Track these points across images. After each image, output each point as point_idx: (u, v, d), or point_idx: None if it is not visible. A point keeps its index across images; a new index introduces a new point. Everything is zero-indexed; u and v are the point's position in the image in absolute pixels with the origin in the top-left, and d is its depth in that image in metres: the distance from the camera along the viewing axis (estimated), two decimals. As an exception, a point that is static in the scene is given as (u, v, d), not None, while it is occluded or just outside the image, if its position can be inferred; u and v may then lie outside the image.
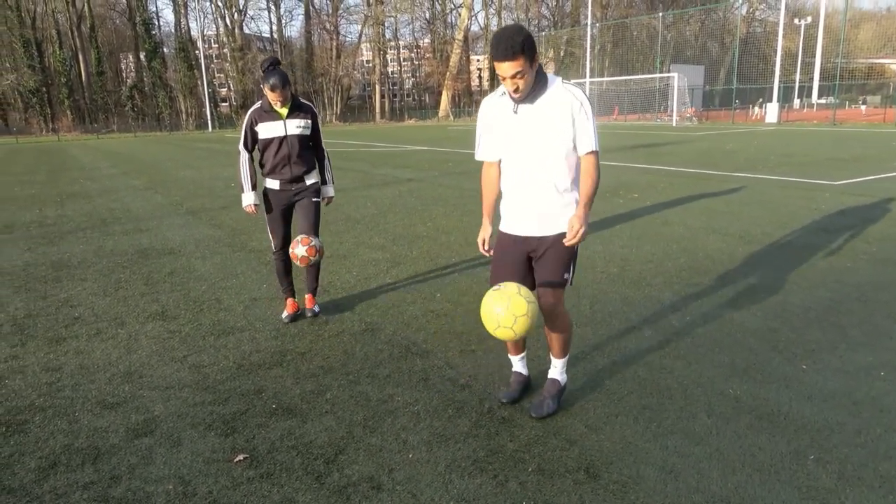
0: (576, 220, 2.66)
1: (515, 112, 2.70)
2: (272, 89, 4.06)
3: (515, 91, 2.60)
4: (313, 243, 4.14)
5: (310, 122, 4.33)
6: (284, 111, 4.22)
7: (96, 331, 4.38)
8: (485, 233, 2.99)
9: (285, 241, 4.45)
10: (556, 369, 3.09)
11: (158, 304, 4.94)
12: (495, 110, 2.79)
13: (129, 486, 2.54)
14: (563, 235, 2.75)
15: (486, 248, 3.00)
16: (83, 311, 4.85)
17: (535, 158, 2.72)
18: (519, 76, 2.53)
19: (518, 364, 3.24)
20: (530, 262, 2.91)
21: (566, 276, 2.86)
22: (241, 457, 2.73)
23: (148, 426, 3.02)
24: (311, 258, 4.14)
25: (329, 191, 4.57)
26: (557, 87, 2.67)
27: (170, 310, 4.80)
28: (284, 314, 4.51)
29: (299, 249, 4.10)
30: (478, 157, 2.98)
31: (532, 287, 2.87)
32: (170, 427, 3.00)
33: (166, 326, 4.43)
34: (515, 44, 2.46)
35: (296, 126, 4.25)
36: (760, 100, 45.33)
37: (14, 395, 3.41)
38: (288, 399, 3.26)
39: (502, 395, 3.13)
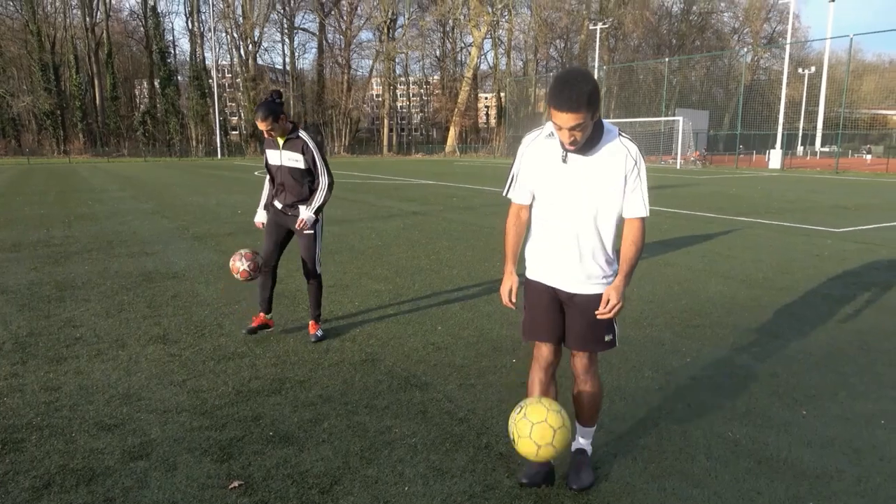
0: (613, 294, 2.46)
1: (564, 161, 2.46)
2: (255, 121, 4.34)
3: (571, 143, 2.35)
4: (256, 261, 4.40)
5: (301, 156, 4.41)
6: (282, 141, 4.45)
7: (97, 352, 4.39)
8: (512, 282, 2.69)
9: (270, 258, 4.67)
10: (584, 440, 2.84)
11: (160, 328, 4.96)
12: (541, 153, 2.53)
13: (123, 510, 2.53)
14: (600, 297, 2.54)
15: (514, 299, 2.68)
16: (85, 331, 4.86)
17: (580, 213, 2.49)
18: (578, 129, 2.29)
19: None
20: (563, 308, 2.68)
21: (608, 338, 2.64)
22: (236, 483, 2.71)
23: (144, 449, 3.01)
24: (251, 274, 4.37)
25: (304, 212, 4.47)
26: (613, 141, 2.44)
27: (171, 333, 4.82)
28: (248, 326, 4.71)
29: (241, 263, 4.34)
30: (509, 196, 2.72)
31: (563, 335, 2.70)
32: (166, 451, 2.99)
33: (167, 350, 4.44)
34: (581, 95, 2.21)
35: (288, 157, 4.46)
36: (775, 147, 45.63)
37: (12, 413, 3.41)
38: (285, 427, 3.25)
39: (522, 476, 2.73)
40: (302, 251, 4.61)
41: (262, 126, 4.30)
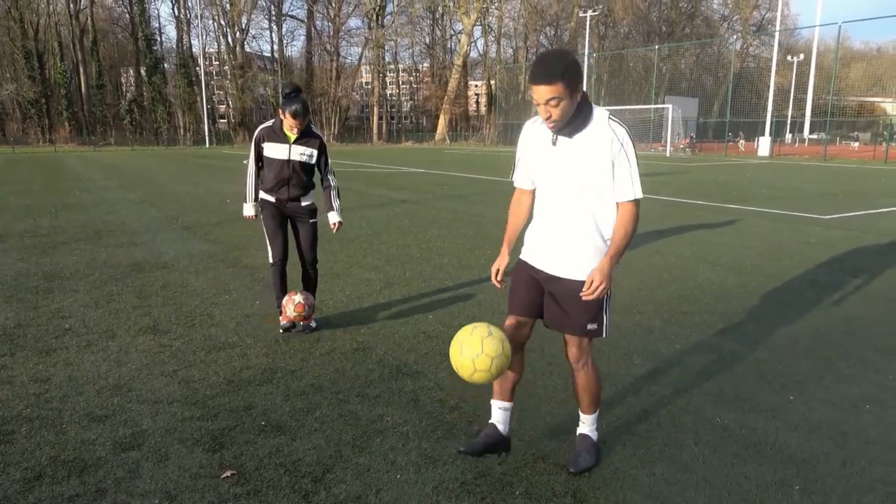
0: (597, 274, 2.42)
1: (554, 143, 2.48)
2: (294, 116, 4.19)
3: (548, 119, 2.37)
4: (299, 301, 4.32)
5: (315, 152, 4.45)
6: (293, 136, 4.36)
7: (87, 343, 4.36)
8: (501, 263, 2.74)
9: (283, 252, 4.58)
10: (585, 425, 2.83)
11: (150, 318, 4.94)
12: (535, 137, 2.58)
13: (115, 500, 2.53)
14: (580, 284, 2.51)
15: (500, 279, 2.73)
16: (74, 322, 4.83)
17: (567, 195, 2.51)
18: (552, 103, 2.30)
19: (498, 414, 2.78)
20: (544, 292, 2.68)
21: (591, 326, 2.58)
22: (228, 473, 2.72)
23: (135, 440, 3.00)
24: (302, 312, 4.34)
25: (334, 217, 4.68)
26: (600, 123, 2.43)
27: (161, 324, 4.79)
28: (282, 325, 4.57)
29: (289, 310, 4.33)
30: (513, 182, 2.80)
31: (541, 315, 2.69)
32: (157, 441, 2.99)
33: (157, 340, 4.42)
34: (555, 68, 2.26)
35: (300, 153, 4.39)
36: (741, 133, 46.28)
37: (1, 404, 3.38)
38: (277, 416, 3.26)
39: (461, 445, 2.79)
40: (306, 240, 4.62)
41: (298, 123, 4.21)
